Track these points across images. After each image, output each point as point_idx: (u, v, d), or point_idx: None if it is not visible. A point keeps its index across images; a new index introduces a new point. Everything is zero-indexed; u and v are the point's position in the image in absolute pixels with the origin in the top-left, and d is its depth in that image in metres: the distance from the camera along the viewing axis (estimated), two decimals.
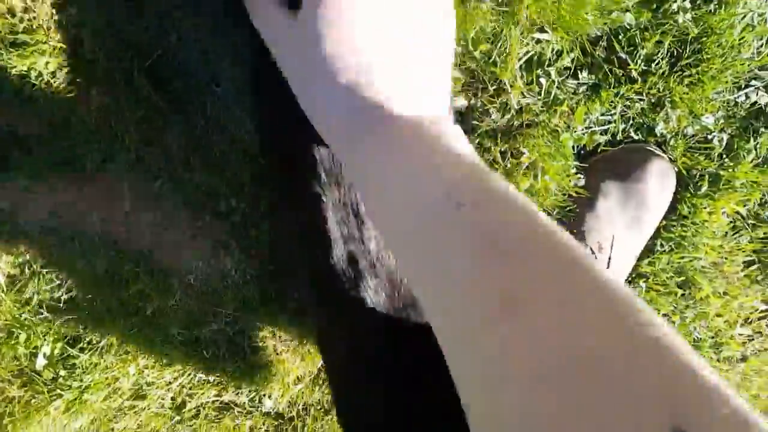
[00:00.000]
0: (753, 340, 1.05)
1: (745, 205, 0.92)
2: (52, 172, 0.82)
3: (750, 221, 0.94)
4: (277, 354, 0.98)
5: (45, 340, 0.90)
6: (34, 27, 0.73)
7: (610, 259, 0.89)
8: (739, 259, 0.96)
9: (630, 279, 0.97)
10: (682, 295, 0.98)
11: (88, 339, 0.91)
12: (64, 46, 0.74)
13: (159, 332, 0.92)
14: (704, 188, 0.88)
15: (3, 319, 0.90)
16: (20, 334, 0.90)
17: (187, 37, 0.72)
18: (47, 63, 0.75)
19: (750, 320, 1.03)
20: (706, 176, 0.89)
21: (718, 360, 1.05)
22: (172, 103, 0.75)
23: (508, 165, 0.85)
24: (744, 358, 1.06)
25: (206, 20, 0.72)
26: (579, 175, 0.87)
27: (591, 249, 0.89)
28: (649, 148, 0.86)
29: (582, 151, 0.88)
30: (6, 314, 0.89)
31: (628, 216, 0.88)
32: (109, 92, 0.75)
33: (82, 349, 0.92)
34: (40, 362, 0.92)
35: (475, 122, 0.84)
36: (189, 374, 0.98)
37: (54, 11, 0.72)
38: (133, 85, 0.74)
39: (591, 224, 0.88)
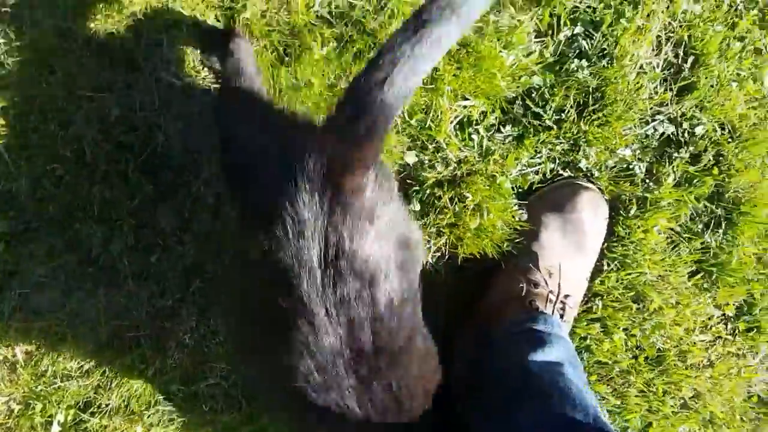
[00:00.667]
0: (715, 345, 1.40)
1: (677, 222, 1.29)
2: (61, 259, 1.19)
3: (685, 235, 1.30)
4: None
5: (59, 408, 1.25)
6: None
7: (559, 285, 1.25)
8: (683, 270, 1.32)
9: (587, 299, 1.33)
10: (638, 308, 1.33)
11: (98, 403, 1.26)
12: (68, 155, 1.12)
13: (161, 391, 1.28)
14: (633, 210, 1.25)
15: (21, 392, 1.26)
16: (36, 404, 1.25)
17: (172, 137, 1.10)
18: (55, 170, 1.13)
19: (709, 326, 1.39)
20: (634, 200, 1.25)
21: (686, 368, 1.39)
22: (163, 191, 1.13)
23: (456, 209, 1.22)
24: (711, 364, 1.41)
25: (188, 122, 1.11)
26: (520, 211, 1.24)
27: (542, 276, 1.25)
28: (577, 181, 1.23)
29: (520, 191, 1.25)
30: (23, 387, 1.25)
31: (570, 243, 1.24)
32: (108, 188, 1.12)
33: (93, 414, 1.26)
34: (55, 430, 1.28)
35: (424, 174, 1.21)
36: (191, 430, 1.33)
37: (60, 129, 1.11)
38: (128, 180, 1.12)
39: (537, 254, 1.24)
